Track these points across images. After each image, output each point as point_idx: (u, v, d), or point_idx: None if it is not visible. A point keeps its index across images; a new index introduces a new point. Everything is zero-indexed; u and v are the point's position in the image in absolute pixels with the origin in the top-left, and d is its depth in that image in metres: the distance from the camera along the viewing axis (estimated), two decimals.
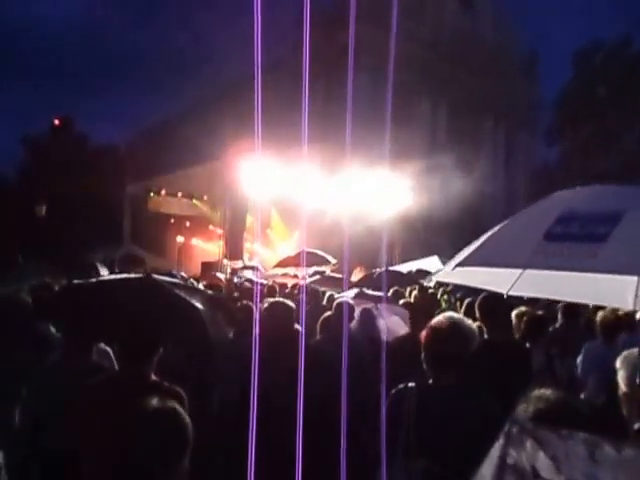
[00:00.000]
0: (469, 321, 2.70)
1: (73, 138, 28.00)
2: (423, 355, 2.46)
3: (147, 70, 73.26)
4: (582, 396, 3.68)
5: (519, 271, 2.32)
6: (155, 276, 2.64)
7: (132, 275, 2.80)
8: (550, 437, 0.97)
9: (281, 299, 3.59)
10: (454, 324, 2.44)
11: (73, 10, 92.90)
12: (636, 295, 2.54)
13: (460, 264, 1.96)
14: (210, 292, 3.04)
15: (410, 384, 2.46)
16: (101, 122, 57.28)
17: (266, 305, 3.31)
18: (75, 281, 2.90)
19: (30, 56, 65.22)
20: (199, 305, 2.40)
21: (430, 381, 2.46)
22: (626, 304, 3.01)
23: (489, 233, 2.01)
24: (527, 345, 3.64)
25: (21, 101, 59.46)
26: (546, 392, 1.72)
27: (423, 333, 2.49)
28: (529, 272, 2.35)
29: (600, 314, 4.07)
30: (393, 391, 2.47)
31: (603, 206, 1.77)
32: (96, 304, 2.46)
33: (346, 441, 2.07)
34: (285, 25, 17.20)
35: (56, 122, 27.30)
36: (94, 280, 2.70)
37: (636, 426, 1.51)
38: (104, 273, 9.22)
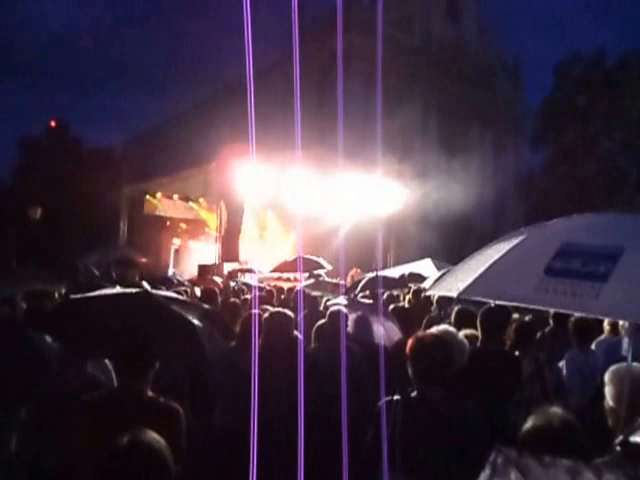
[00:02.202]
0: (460, 335, 2.75)
1: (68, 140, 27.89)
2: (408, 366, 2.50)
3: (143, 73, 73.01)
4: (570, 402, 3.73)
5: None
6: (151, 291, 2.67)
7: (128, 290, 2.82)
8: (533, 466, 1.01)
9: (281, 309, 3.61)
10: (437, 337, 2.47)
11: (68, 12, 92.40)
12: None
13: (462, 293, 1.98)
14: (206, 306, 3.05)
15: (396, 397, 2.50)
16: (97, 124, 57.15)
17: (267, 315, 3.34)
18: (71, 296, 2.91)
19: (26, 58, 64.86)
20: (195, 321, 2.43)
21: (415, 393, 2.50)
22: None
23: (487, 258, 2.00)
24: (517, 353, 3.68)
25: (16, 103, 59.17)
26: (552, 410, 1.75)
27: (408, 346, 2.52)
28: None
29: (571, 320, 4.10)
30: (379, 404, 2.50)
31: (602, 239, 1.77)
32: (91, 320, 2.48)
33: (347, 451, 2.11)
34: (278, 29, 17.22)
35: (52, 124, 27.21)
36: (90, 295, 2.71)
37: (617, 441, 1.55)
38: (97, 274, 9.22)
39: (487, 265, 1.92)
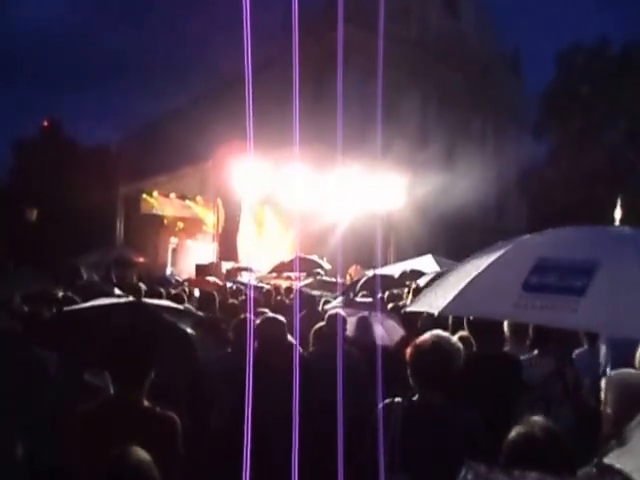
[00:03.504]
0: (454, 338, 2.73)
1: (63, 140, 27.79)
2: (409, 372, 2.49)
3: (139, 70, 72.87)
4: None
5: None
6: (144, 300, 2.66)
7: (121, 300, 2.81)
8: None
9: (272, 315, 3.59)
10: (436, 343, 2.48)
11: (62, 10, 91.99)
12: None
13: (443, 311, 1.99)
14: (200, 313, 3.04)
15: (397, 399, 2.50)
16: (92, 123, 57.03)
17: (259, 322, 3.32)
18: (66, 308, 2.91)
19: (18, 58, 64.65)
20: (188, 329, 2.42)
21: (416, 397, 2.50)
22: None
23: (465, 274, 2.00)
24: (536, 351, 3.63)
25: (9, 103, 58.99)
26: (534, 419, 1.75)
27: (407, 351, 2.52)
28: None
29: None
30: (380, 405, 2.50)
31: (578, 253, 1.79)
32: (86, 330, 2.47)
33: (343, 455, 2.10)
34: (274, 25, 17.14)
35: (45, 124, 27.12)
36: (84, 306, 2.70)
37: (593, 462, 1.56)
38: (95, 278, 9.26)
39: (466, 282, 1.94)
